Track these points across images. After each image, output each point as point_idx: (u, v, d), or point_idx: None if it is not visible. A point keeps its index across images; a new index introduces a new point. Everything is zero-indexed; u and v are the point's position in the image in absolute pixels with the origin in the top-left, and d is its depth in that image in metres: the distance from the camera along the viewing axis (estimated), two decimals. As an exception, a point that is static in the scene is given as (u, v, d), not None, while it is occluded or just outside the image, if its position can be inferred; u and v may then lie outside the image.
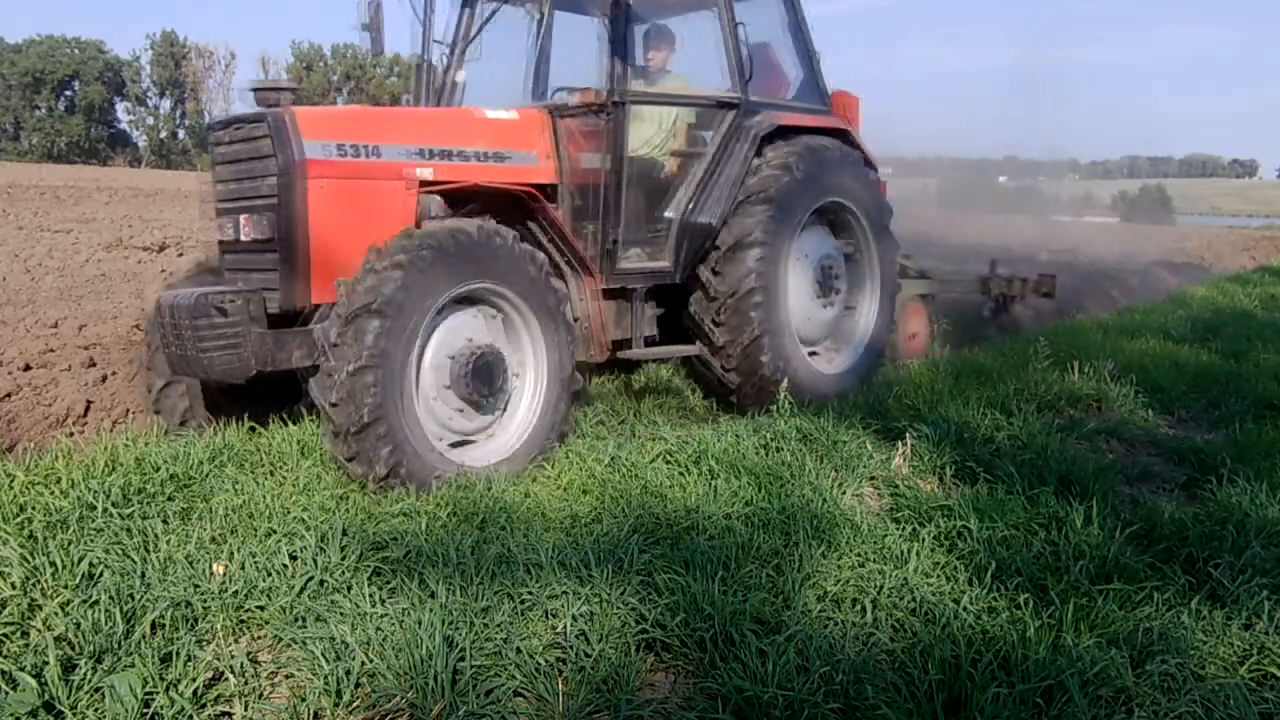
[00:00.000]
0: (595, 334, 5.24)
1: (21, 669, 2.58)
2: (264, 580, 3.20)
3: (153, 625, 2.89)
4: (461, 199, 5.11)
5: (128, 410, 5.79)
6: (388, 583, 3.20)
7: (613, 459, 4.56)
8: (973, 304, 9.97)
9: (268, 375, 4.59)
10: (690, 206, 5.89)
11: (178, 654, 2.70)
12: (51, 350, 6.18)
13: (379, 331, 4.11)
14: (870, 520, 3.88)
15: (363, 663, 2.68)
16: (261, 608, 3.07)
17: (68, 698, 2.50)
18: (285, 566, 3.28)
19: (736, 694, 2.58)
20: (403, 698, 2.55)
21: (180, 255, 11.70)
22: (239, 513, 3.80)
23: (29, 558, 3.27)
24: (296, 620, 2.98)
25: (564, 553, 3.37)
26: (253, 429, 4.97)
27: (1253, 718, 2.60)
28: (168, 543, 3.49)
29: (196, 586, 3.18)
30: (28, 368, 5.87)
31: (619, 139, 5.49)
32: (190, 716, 2.49)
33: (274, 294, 4.59)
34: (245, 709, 2.57)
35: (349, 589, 3.14)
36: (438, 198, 5.02)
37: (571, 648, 2.81)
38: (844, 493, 4.19)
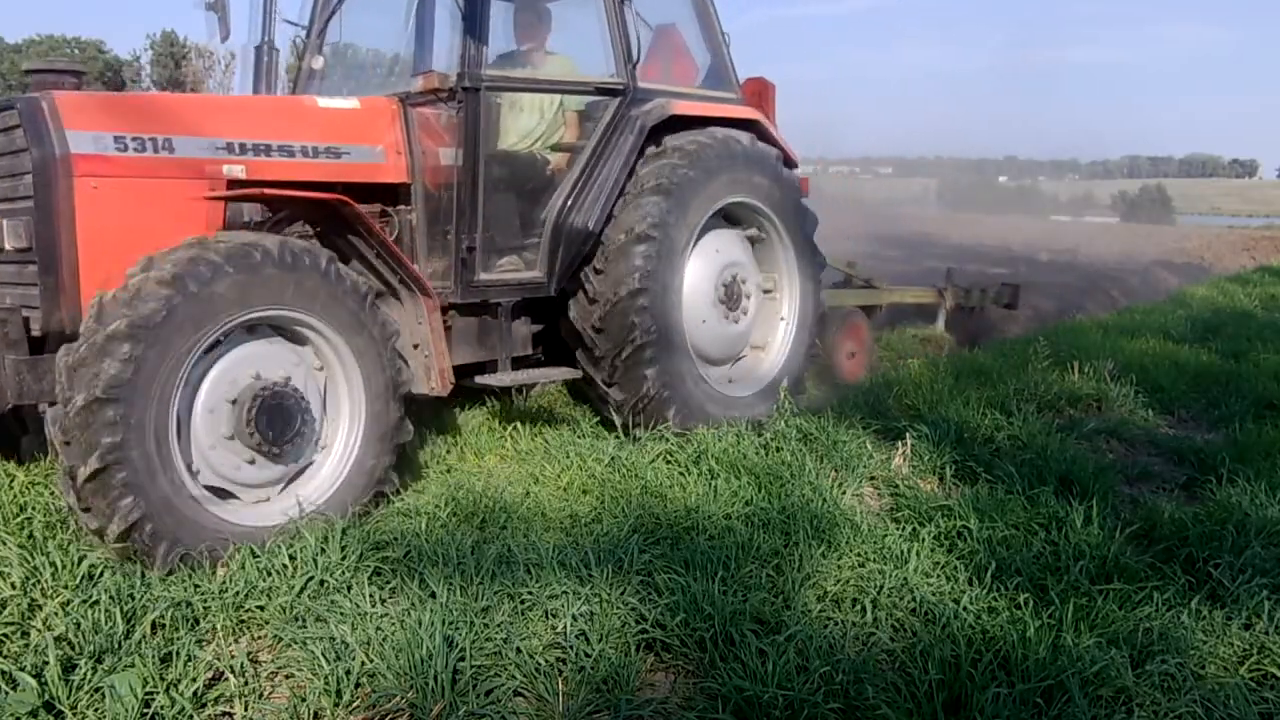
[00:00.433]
0: (436, 362, 4.42)
1: (21, 669, 2.58)
2: (264, 580, 3.21)
3: (153, 625, 2.90)
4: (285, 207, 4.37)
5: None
6: (388, 583, 3.21)
7: (613, 459, 4.56)
8: (929, 316, 9.43)
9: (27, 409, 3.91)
10: (567, 207, 5.17)
11: (178, 654, 2.71)
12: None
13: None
14: (870, 520, 3.89)
15: (363, 663, 2.68)
16: (261, 608, 3.07)
17: (68, 698, 2.50)
18: (285, 566, 3.29)
19: (736, 694, 2.58)
20: (403, 698, 2.56)
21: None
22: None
23: (29, 558, 3.28)
24: (296, 620, 2.98)
25: (564, 553, 3.37)
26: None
27: (1253, 718, 2.60)
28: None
29: (196, 586, 3.19)
30: None
31: (474, 130, 4.72)
32: (190, 716, 2.49)
33: (36, 312, 3.83)
34: (245, 709, 2.57)
35: (349, 589, 3.14)
36: (257, 203, 4.36)
37: (571, 648, 2.81)
38: (844, 493, 4.19)
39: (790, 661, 2.70)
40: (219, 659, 2.73)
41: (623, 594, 3.09)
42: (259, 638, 2.96)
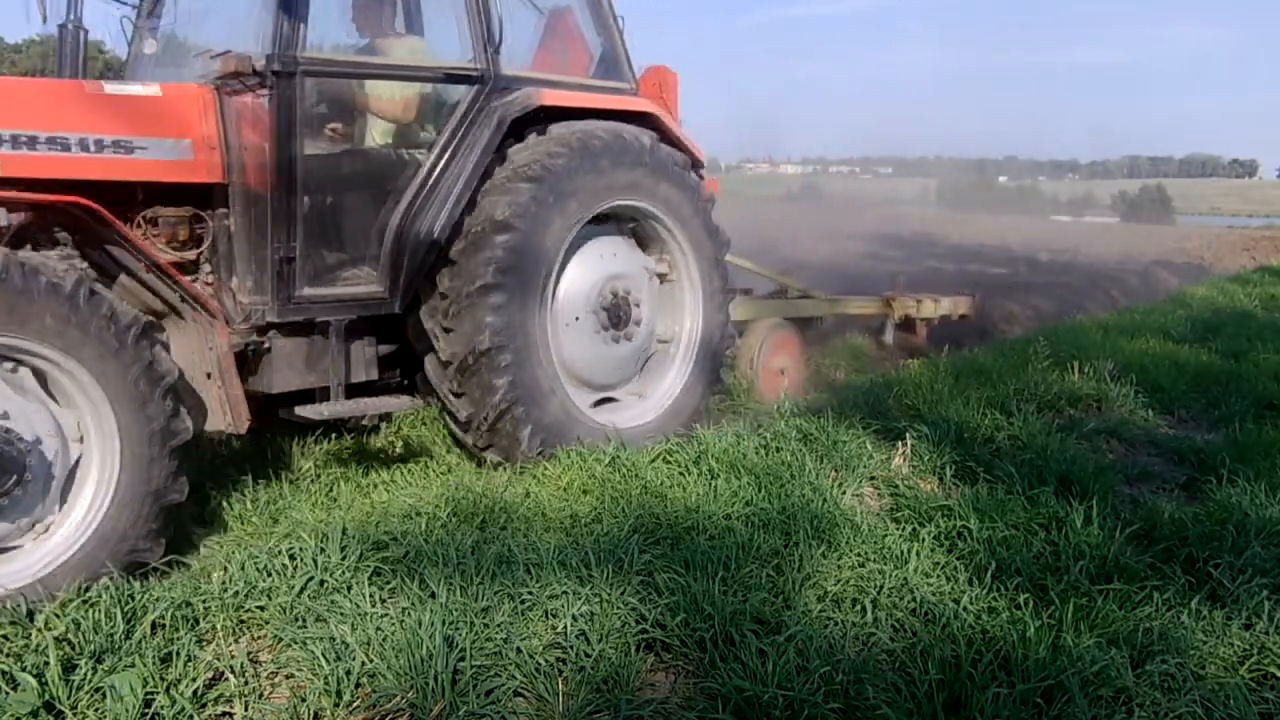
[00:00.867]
0: (230, 395, 3.88)
1: (22, 669, 2.58)
2: (264, 580, 3.21)
3: (153, 625, 2.90)
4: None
5: None
6: (388, 583, 3.21)
7: (613, 459, 4.55)
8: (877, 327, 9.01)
9: None
10: (412, 211, 4.56)
11: (178, 654, 2.70)
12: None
13: None
14: (870, 520, 3.88)
15: (363, 663, 2.68)
16: (261, 608, 3.07)
17: (68, 698, 2.50)
18: (285, 566, 3.29)
19: (736, 694, 2.58)
20: (403, 698, 2.56)
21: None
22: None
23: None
24: (296, 620, 2.98)
25: (564, 553, 3.37)
26: None
27: (1253, 718, 2.60)
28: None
29: (196, 587, 3.18)
30: None
31: (287, 122, 4.13)
32: (190, 716, 2.49)
33: None
34: (245, 709, 2.57)
35: (349, 589, 3.14)
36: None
37: (571, 648, 2.81)
38: (844, 493, 4.19)
39: (790, 661, 2.70)
40: (219, 659, 2.73)
41: (623, 594, 3.09)
42: (259, 638, 2.96)
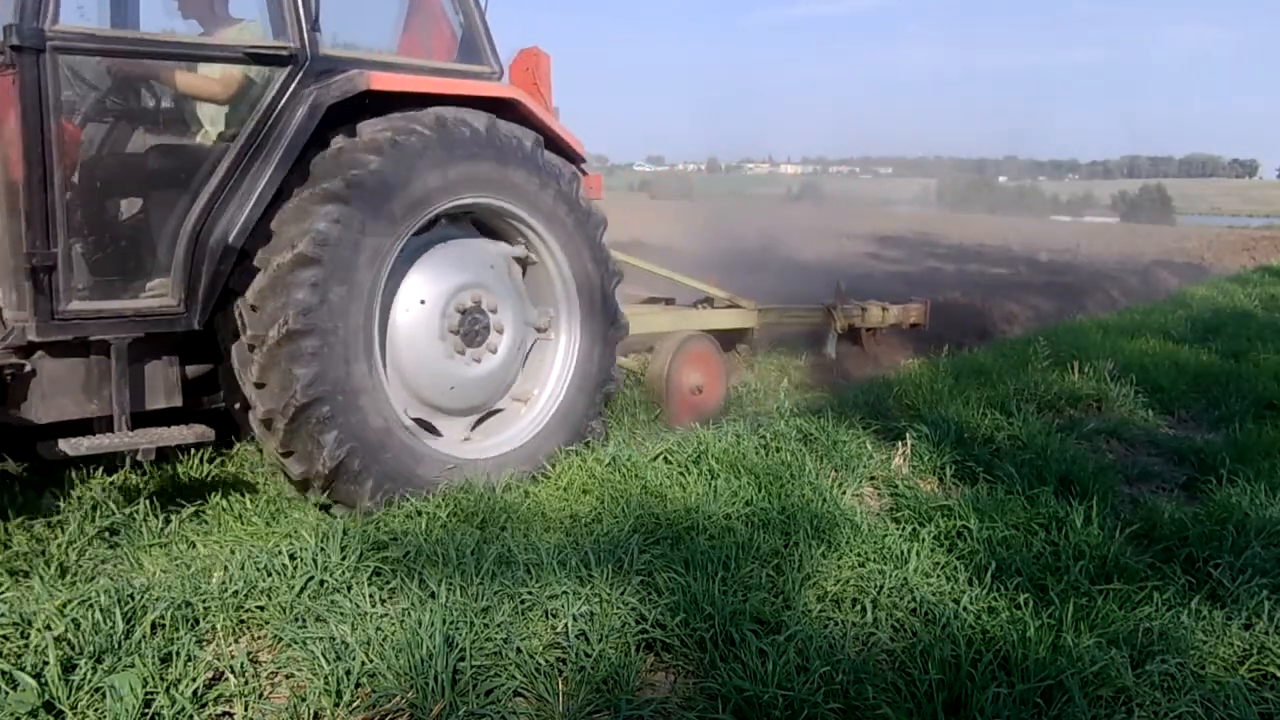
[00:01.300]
0: None
1: (21, 669, 2.57)
2: (264, 580, 3.20)
3: (153, 625, 2.89)
4: None
5: None
6: (388, 583, 3.20)
7: (613, 459, 4.55)
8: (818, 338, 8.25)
9: None
10: (209, 212, 4.00)
11: (178, 654, 2.70)
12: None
13: None
14: (870, 520, 3.89)
15: (363, 663, 2.68)
16: (261, 608, 3.07)
17: (68, 698, 2.50)
18: (285, 566, 3.28)
19: (736, 694, 2.58)
20: (403, 698, 2.56)
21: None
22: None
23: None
24: (296, 620, 2.97)
25: (564, 553, 3.37)
26: None
27: (1253, 718, 2.60)
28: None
29: (197, 587, 3.18)
30: None
31: (35, 106, 3.57)
32: (190, 716, 2.49)
33: None
34: (245, 709, 2.57)
35: (349, 589, 3.14)
36: None
37: (571, 648, 2.81)
38: (844, 493, 4.19)
39: (790, 661, 2.70)
40: (219, 659, 2.73)
41: (623, 594, 3.09)
42: (259, 638, 2.96)
